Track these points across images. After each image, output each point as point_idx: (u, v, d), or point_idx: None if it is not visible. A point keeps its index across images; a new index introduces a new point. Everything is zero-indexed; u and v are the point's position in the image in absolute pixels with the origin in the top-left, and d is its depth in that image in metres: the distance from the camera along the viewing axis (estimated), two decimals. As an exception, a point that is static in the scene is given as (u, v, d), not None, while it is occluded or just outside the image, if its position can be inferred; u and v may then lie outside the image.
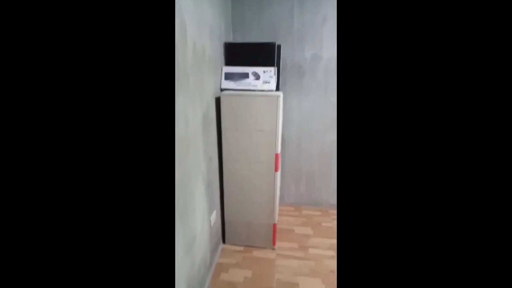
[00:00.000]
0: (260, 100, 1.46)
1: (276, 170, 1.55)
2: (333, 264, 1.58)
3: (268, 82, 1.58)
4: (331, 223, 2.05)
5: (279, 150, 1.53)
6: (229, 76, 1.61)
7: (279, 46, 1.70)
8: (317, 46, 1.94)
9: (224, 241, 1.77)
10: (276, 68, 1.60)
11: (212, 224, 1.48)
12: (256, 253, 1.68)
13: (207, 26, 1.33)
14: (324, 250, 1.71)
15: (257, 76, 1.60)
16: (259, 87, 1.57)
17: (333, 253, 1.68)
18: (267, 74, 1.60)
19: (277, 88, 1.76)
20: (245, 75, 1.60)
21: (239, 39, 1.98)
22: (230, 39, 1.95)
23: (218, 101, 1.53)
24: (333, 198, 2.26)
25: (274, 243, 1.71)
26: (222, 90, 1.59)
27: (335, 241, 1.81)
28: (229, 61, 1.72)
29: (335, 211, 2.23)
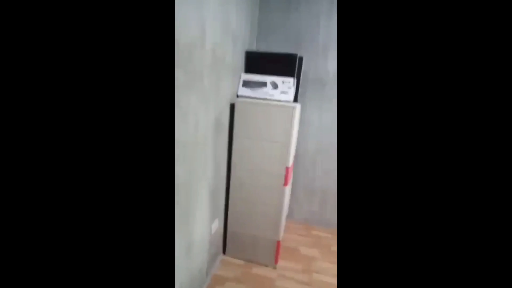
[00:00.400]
0: (275, 110, 1.41)
1: (285, 184, 1.47)
2: (338, 294, 1.44)
3: (286, 93, 1.53)
4: (342, 248, 1.89)
5: (290, 164, 1.46)
6: (247, 84, 1.60)
7: (300, 58, 1.66)
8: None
9: (224, 252, 1.70)
10: (295, 79, 1.56)
11: (212, 232, 1.43)
12: (257, 270, 1.58)
13: (229, 32, 1.33)
14: (330, 277, 1.57)
15: (275, 86, 1.57)
16: (276, 97, 1.53)
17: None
18: (286, 84, 1.55)
19: (295, 100, 1.71)
20: (263, 84, 1.58)
21: (263, 46, 1.97)
22: (254, 46, 1.96)
23: (232, 107, 1.51)
24: (346, 221, 2.11)
25: (276, 261, 1.61)
26: (238, 96, 1.58)
27: (343, 269, 1.66)
28: (249, 69, 1.72)
29: (347, 236, 2.06)
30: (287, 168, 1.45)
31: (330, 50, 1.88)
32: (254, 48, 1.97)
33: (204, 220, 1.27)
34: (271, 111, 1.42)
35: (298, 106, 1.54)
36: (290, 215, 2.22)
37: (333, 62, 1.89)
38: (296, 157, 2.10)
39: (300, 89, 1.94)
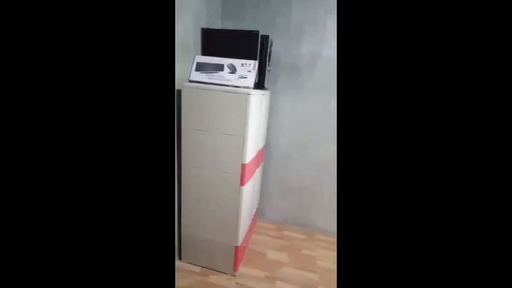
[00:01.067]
0: (226, 97, 1.20)
1: (242, 184, 1.28)
2: (300, 308, 1.27)
3: (245, 77, 1.32)
4: (314, 251, 1.73)
5: (248, 160, 1.26)
6: (201, 67, 1.37)
7: (266, 37, 1.44)
8: (317, 40, 1.64)
9: (180, 258, 1.52)
10: (257, 62, 1.34)
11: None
12: (213, 278, 1.41)
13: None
14: (295, 285, 1.41)
15: (233, 69, 1.35)
16: (233, 82, 1.31)
17: (305, 292, 1.37)
18: (245, 67, 1.34)
19: (260, 86, 1.49)
20: (220, 67, 1.35)
21: (229, 26, 1.74)
22: (218, 25, 1.72)
23: (179, 94, 1.29)
24: (322, 221, 1.94)
25: (235, 269, 1.44)
26: (190, 82, 1.36)
27: (312, 275, 1.50)
28: (206, 50, 1.49)
29: (322, 237, 1.90)
30: (243, 165, 1.25)
31: (305, 30, 1.65)
32: (218, 25, 1.73)
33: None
34: (223, 99, 1.21)
35: (260, 93, 1.33)
36: (261, 215, 2.05)
37: (308, 46, 1.66)
38: (267, 152, 1.91)
39: (269, 75, 1.72)
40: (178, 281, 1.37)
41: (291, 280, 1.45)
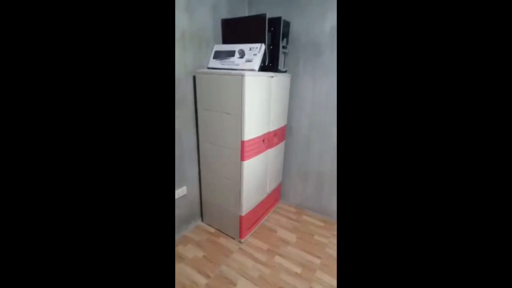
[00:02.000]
0: (226, 80, 1.33)
1: (242, 159, 1.41)
2: (285, 284, 1.32)
3: (250, 61, 1.41)
4: (327, 239, 1.67)
5: (246, 138, 1.37)
6: (217, 55, 1.55)
7: (277, 19, 1.46)
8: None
9: (202, 219, 1.82)
10: (263, 45, 1.40)
11: (176, 197, 1.55)
12: (222, 240, 1.63)
13: (195, 3, 1.32)
14: (292, 264, 1.45)
15: (242, 54, 1.46)
16: (240, 66, 1.43)
17: (299, 271, 1.40)
18: (252, 51, 1.42)
19: (272, 69, 1.54)
20: (231, 53, 1.49)
21: (254, 11, 1.82)
22: (245, 14, 1.84)
23: (195, 79, 1.52)
24: (344, 212, 1.82)
25: (241, 236, 1.60)
26: (208, 68, 1.56)
27: (313, 258, 1.49)
28: (226, 39, 1.65)
29: (342, 228, 1.79)
30: (242, 142, 1.37)
31: (326, 5, 1.55)
32: (245, 13, 1.84)
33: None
34: (224, 81, 1.35)
35: (263, 75, 1.39)
36: (285, 197, 2.10)
37: (330, 21, 1.55)
38: (289, 134, 1.92)
39: (288, 57, 1.72)
40: (193, 235, 1.67)
41: (290, 258, 1.49)
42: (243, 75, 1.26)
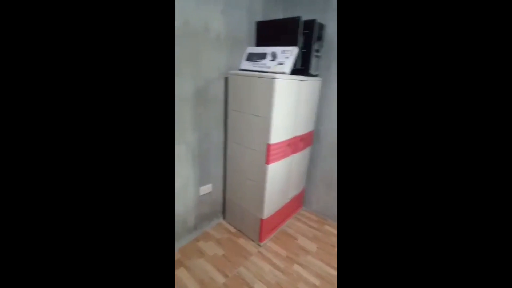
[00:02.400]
0: (256, 82, 1.34)
1: (267, 162, 1.40)
2: (306, 293, 1.28)
3: (282, 63, 1.39)
4: (350, 253, 1.59)
5: (272, 141, 1.36)
6: (250, 57, 1.56)
7: (311, 22, 1.42)
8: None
9: (224, 217, 1.85)
10: (296, 48, 1.37)
11: (201, 194, 1.60)
12: (241, 241, 1.64)
13: (220, 3, 1.35)
14: (311, 275, 1.40)
15: (274, 57, 1.45)
16: (272, 69, 1.42)
17: (317, 283, 1.34)
18: (284, 54, 1.41)
19: (304, 73, 1.51)
20: (264, 56, 1.49)
21: (289, 13, 1.80)
22: (279, 16, 1.83)
23: (224, 81, 1.55)
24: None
25: (260, 239, 1.60)
26: (240, 70, 1.58)
27: (333, 271, 1.42)
28: (260, 41, 1.65)
29: (368, 243, 1.69)
30: (268, 145, 1.36)
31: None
32: (280, 16, 1.83)
33: (184, 179, 1.46)
34: (254, 83, 1.35)
35: (294, 78, 1.37)
36: (308, 204, 2.05)
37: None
38: (316, 140, 1.87)
39: (321, 62, 1.67)
40: (214, 232, 1.70)
41: (309, 268, 1.44)
42: (274, 78, 1.25)
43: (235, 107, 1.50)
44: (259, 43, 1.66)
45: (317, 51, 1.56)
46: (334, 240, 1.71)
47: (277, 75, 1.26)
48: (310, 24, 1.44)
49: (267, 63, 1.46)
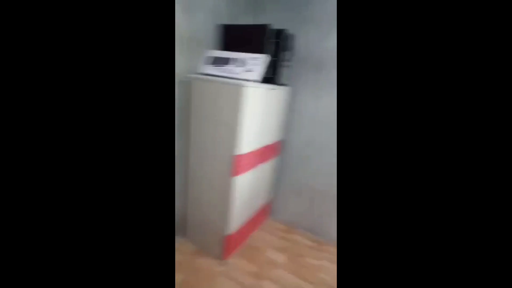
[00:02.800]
0: (223, 88, 1.24)
1: (233, 173, 1.30)
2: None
3: (251, 71, 1.33)
4: (319, 261, 1.59)
5: (240, 152, 1.28)
6: (212, 61, 1.46)
7: (281, 31, 1.40)
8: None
9: (185, 234, 1.67)
10: (266, 56, 1.33)
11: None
12: (204, 261, 1.49)
13: (195, 5, 1.23)
14: (281, 291, 1.34)
15: (241, 63, 1.38)
16: (240, 76, 1.35)
17: (289, 299, 1.29)
18: (253, 61, 1.35)
19: (273, 81, 1.47)
20: (229, 61, 1.41)
21: (262, 19, 1.76)
22: (250, 22, 1.77)
23: (185, 85, 1.41)
24: (336, 232, 1.75)
25: (225, 257, 1.48)
26: (201, 74, 1.46)
27: (305, 284, 1.38)
28: (224, 45, 1.56)
29: (333, 249, 1.72)
30: (235, 156, 1.27)
31: (329, 25, 1.52)
32: (250, 22, 1.78)
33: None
34: (220, 90, 1.26)
35: (263, 87, 1.32)
36: (274, 213, 2.01)
37: (334, 39, 1.53)
38: (283, 149, 1.85)
39: (291, 71, 1.67)
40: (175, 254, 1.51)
41: (279, 283, 1.38)
42: (243, 86, 1.18)
43: (199, 114, 1.37)
44: (223, 47, 1.58)
45: (287, 60, 1.55)
46: (303, 250, 1.69)
47: (246, 82, 1.19)
48: (280, 33, 1.41)
49: (233, 69, 1.38)
